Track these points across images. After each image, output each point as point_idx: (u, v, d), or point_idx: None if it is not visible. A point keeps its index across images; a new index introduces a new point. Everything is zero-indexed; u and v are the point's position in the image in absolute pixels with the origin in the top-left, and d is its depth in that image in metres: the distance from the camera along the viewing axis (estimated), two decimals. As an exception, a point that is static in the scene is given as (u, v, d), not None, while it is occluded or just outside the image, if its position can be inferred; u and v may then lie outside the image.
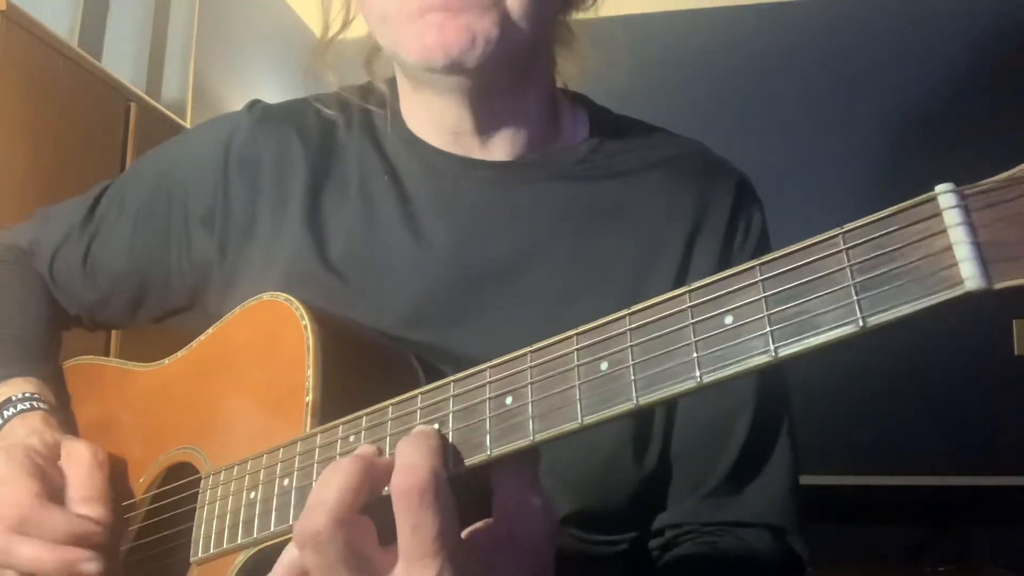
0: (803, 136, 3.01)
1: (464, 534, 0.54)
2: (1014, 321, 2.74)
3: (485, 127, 0.84)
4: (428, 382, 0.71)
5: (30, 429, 0.83)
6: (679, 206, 0.85)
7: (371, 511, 0.54)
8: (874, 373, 2.75)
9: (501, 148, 0.85)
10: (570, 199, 0.85)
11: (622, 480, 0.79)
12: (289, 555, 0.56)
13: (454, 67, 0.75)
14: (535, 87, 0.86)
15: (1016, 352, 2.74)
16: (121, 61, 2.14)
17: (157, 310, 0.98)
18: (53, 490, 0.76)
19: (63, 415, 0.89)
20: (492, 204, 0.85)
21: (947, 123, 2.88)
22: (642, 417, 0.80)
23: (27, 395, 0.86)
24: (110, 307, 0.99)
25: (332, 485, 0.53)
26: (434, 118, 0.86)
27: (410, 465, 0.51)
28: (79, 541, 0.74)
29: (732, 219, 0.85)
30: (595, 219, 0.84)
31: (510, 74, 0.81)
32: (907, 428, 2.76)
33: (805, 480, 0.85)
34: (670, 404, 0.80)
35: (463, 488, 0.52)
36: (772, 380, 0.84)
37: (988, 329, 2.74)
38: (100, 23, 2.12)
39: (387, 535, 0.53)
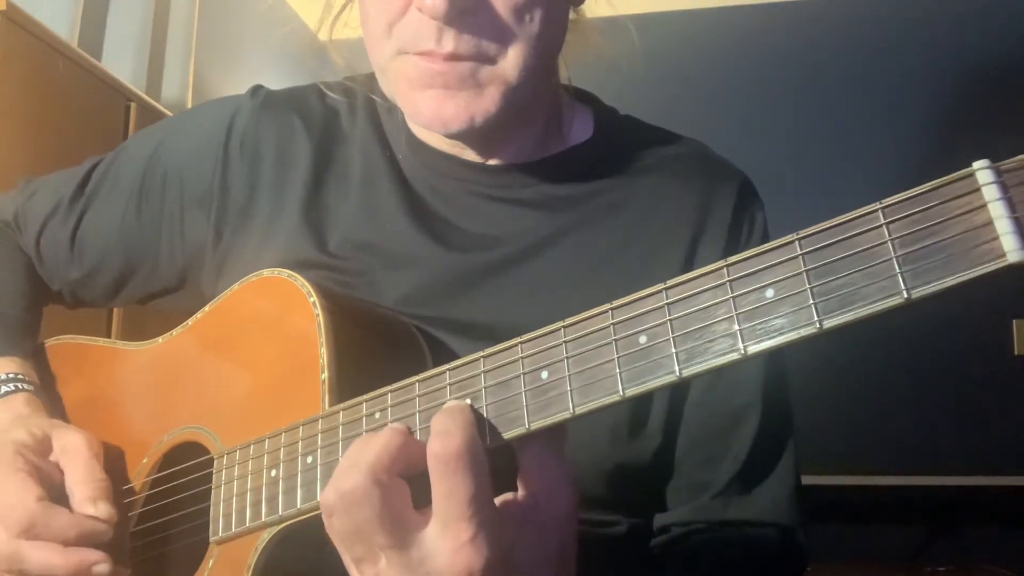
0: (805, 135, 3.02)
1: (497, 505, 0.54)
2: (1014, 321, 2.75)
3: (487, 140, 0.85)
4: (433, 354, 0.71)
5: (14, 415, 0.81)
6: (681, 207, 0.85)
7: (406, 479, 0.54)
8: (874, 373, 2.76)
9: (504, 154, 0.86)
10: (571, 198, 0.85)
11: (616, 464, 0.79)
12: None
13: (454, 136, 0.78)
14: (539, 97, 0.86)
15: (1016, 352, 2.75)
16: (121, 61, 2.14)
17: (142, 290, 0.97)
18: (52, 488, 0.75)
19: (48, 395, 0.87)
20: (494, 203, 0.85)
21: (950, 121, 2.89)
22: (638, 405, 0.80)
23: (10, 375, 0.84)
24: (94, 284, 0.97)
25: (369, 447, 0.53)
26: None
27: (446, 431, 0.52)
28: (88, 542, 0.73)
29: (735, 220, 0.86)
30: (596, 218, 0.85)
31: (512, 119, 0.81)
32: (907, 428, 2.77)
33: (805, 480, 0.86)
34: (673, 401, 0.81)
35: (491, 461, 0.53)
36: (776, 378, 0.84)
37: (988, 329, 2.75)
38: (100, 23, 2.11)
39: (421, 502, 0.53)
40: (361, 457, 0.53)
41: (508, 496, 0.55)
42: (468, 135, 0.78)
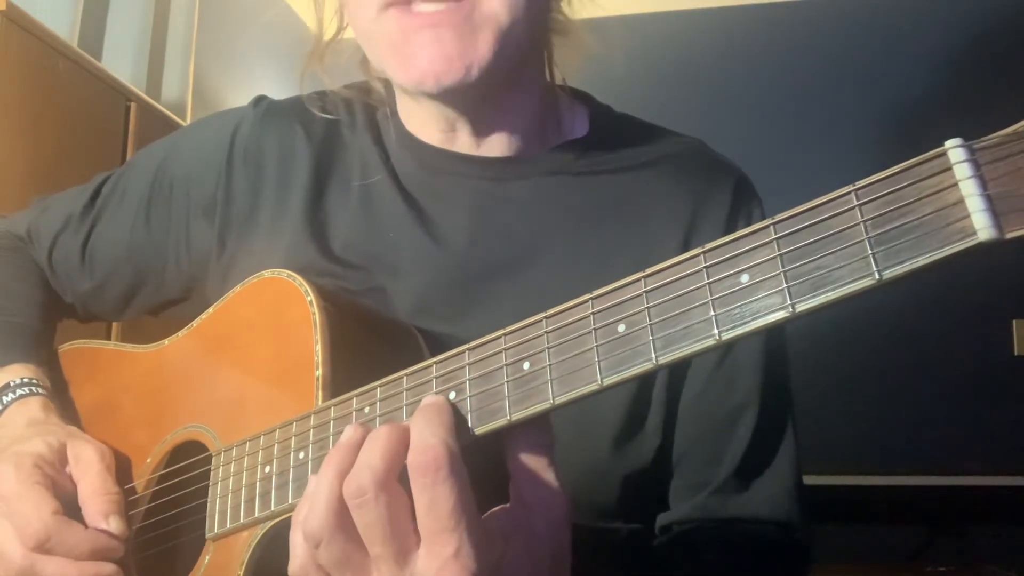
0: (804, 133, 3.03)
1: (483, 517, 0.53)
2: (1014, 321, 2.74)
3: (481, 125, 0.84)
4: (431, 352, 0.71)
5: (28, 419, 0.83)
6: (677, 204, 0.85)
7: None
8: (874, 372, 2.76)
9: (498, 145, 0.86)
10: (568, 194, 0.85)
11: (617, 472, 0.79)
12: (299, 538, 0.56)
13: (446, 94, 0.76)
14: (530, 83, 0.86)
15: (1016, 352, 2.74)
16: (121, 61, 2.15)
17: (151, 302, 0.98)
18: (68, 501, 0.76)
19: (61, 400, 0.89)
20: (490, 200, 0.85)
21: (945, 118, 2.89)
22: (636, 406, 0.80)
23: (25, 380, 0.86)
24: (105, 297, 0.99)
25: (376, 450, 0.53)
26: (430, 117, 0.86)
27: (424, 443, 0.51)
28: (100, 557, 0.74)
29: (731, 217, 0.85)
30: (593, 215, 0.84)
31: (505, 75, 0.80)
32: (907, 428, 2.76)
33: (806, 480, 0.85)
34: (671, 400, 0.81)
35: (479, 463, 0.52)
36: (775, 377, 0.84)
37: (988, 329, 2.74)
38: (100, 23, 2.12)
39: None
40: (369, 459, 0.52)
41: (495, 510, 0.55)
42: (462, 90, 0.75)
